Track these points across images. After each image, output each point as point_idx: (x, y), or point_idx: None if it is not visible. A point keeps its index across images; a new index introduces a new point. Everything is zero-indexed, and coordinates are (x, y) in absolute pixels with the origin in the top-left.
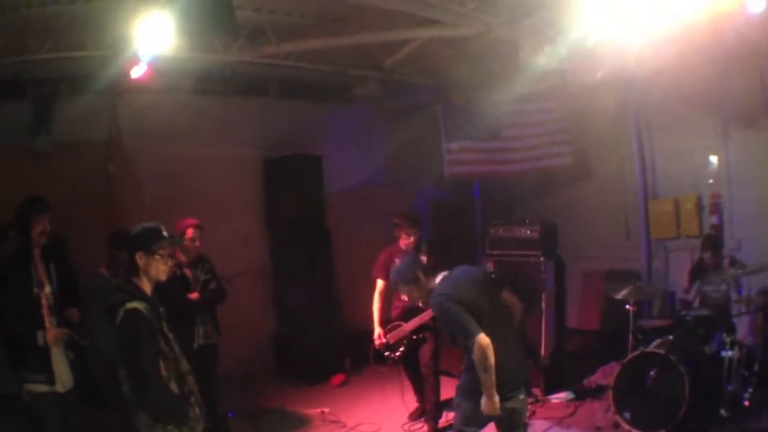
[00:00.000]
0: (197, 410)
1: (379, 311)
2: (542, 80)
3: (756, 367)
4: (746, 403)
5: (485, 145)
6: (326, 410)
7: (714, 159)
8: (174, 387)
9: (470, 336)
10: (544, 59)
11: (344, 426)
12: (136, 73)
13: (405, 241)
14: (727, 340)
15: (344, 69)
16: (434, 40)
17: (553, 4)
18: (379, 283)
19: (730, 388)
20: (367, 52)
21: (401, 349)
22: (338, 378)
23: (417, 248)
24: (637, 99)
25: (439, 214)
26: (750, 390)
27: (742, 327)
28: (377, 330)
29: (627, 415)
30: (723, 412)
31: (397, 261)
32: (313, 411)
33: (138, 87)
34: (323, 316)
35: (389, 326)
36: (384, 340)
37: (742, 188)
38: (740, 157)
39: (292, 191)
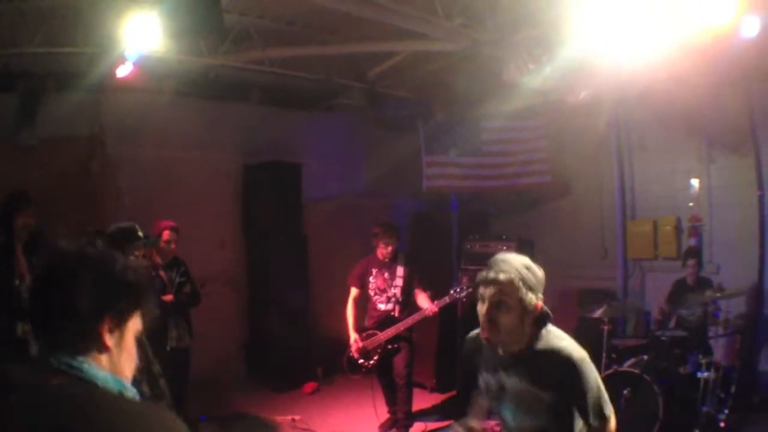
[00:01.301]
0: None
1: (353, 318)
2: (525, 98)
3: (732, 389)
4: (722, 424)
5: (465, 161)
6: (297, 418)
7: (695, 182)
8: (146, 390)
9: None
10: (528, 78)
11: None
12: (122, 72)
13: (382, 252)
14: (703, 361)
15: (328, 78)
16: (419, 54)
17: (540, 23)
18: (353, 291)
19: (705, 409)
20: (352, 62)
21: (375, 357)
22: (310, 386)
23: (394, 259)
24: (620, 120)
25: (416, 226)
26: (726, 411)
27: (720, 349)
28: (353, 336)
29: None
30: None
31: (373, 271)
32: (284, 418)
33: (123, 86)
34: (297, 323)
35: (364, 334)
36: (361, 345)
37: (723, 212)
38: (722, 181)
39: (270, 198)
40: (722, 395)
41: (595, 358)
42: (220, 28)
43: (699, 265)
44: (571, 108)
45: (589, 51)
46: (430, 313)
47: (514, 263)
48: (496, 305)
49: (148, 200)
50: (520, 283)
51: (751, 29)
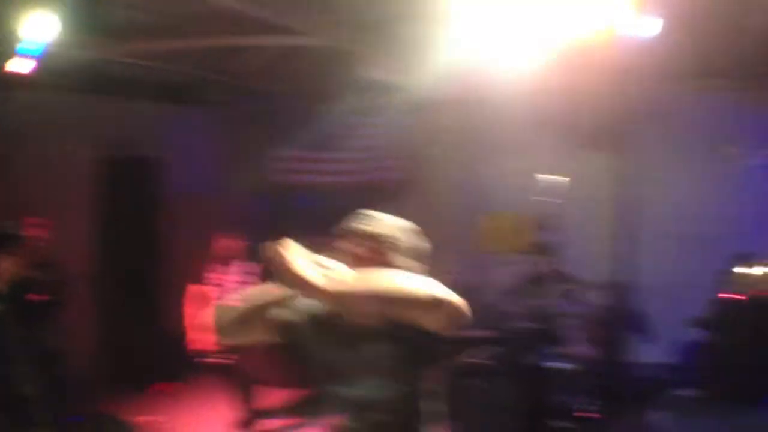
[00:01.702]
0: (41, 414)
1: (198, 315)
2: (379, 94)
3: (595, 381)
4: (588, 415)
5: (314, 156)
6: (158, 417)
7: (548, 178)
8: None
9: None
10: (384, 74)
11: None
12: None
13: (225, 248)
14: (558, 352)
15: (193, 72)
16: (278, 49)
17: (401, 21)
18: (197, 289)
19: (566, 400)
20: (216, 57)
21: (221, 355)
22: (170, 385)
23: (237, 257)
24: (477, 116)
25: (265, 223)
26: (590, 403)
27: (578, 341)
28: (191, 335)
29: (456, 425)
30: (562, 423)
31: (218, 267)
32: (146, 418)
33: None
34: (154, 322)
35: (210, 332)
36: (206, 343)
37: (581, 208)
38: (581, 177)
39: (130, 194)
40: (585, 387)
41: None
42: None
43: (551, 259)
44: (428, 105)
45: (450, 49)
46: None
47: (385, 220)
48: (354, 263)
49: (14, 198)
50: (385, 241)
51: (626, 30)
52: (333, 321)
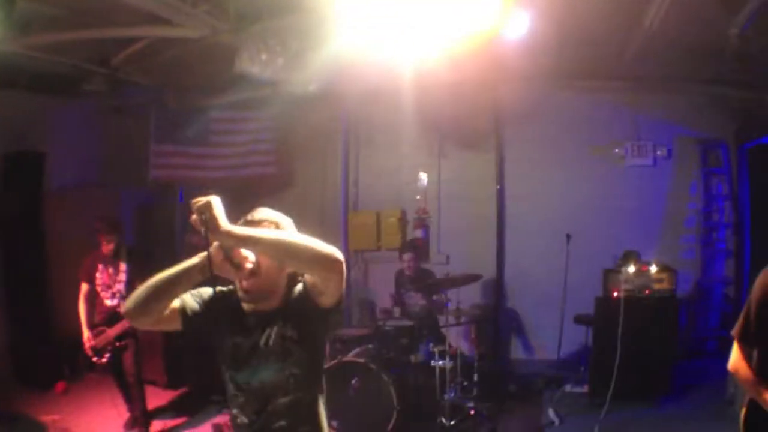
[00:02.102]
0: None
1: (85, 314)
2: (256, 89)
3: (476, 377)
4: (471, 412)
5: (192, 150)
6: (56, 417)
7: (424, 176)
8: None
9: None
10: (259, 67)
11: None
12: None
13: (105, 247)
14: (436, 350)
15: (72, 63)
16: (159, 40)
17: (280, 15)
18: (84, 287)
19: (449, 396)
20: (97, 47)
21: (107, 355)
22: (60, 385)
23: (117, 254)
24: (349, 113)
25: (143, 218)
26: (472, 399)
27: (458, 338)
28: (86, 333)
29: (335, 423)
30: (444, 420)
31: (99, 266)
32: (47, 418)
33: None
34: (36, 321)
35: (95, 331)
36: (93, 343)
37: (453, 205)
38: (453, 175)
39: (9, 190)
40: (466, 383)
41: None
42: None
43: (419, 257)
44: (300, 100)
45: (331, 43)
46: None
47: (276, 213)
48: None
49: None
50: (284, 226)
51: (513, 31)
52: (232, 306)
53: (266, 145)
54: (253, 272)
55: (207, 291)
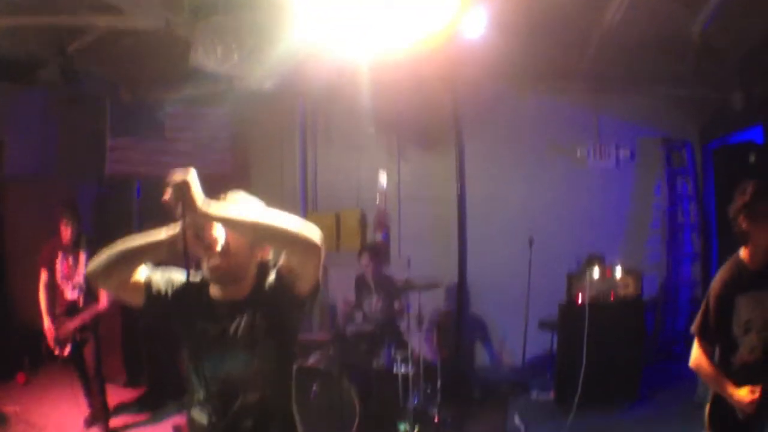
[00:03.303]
0: None
1: (46, 303)
2: (212, 84)
3: (439, 383)
4: (435, 419)
5: (148, 145)
6: (17, 409)
7: (383, 177)
8: None
9: None
10: (214, 63)
11: (34, 427)
12: None
13: (64, 231)
14: (398, 356)
15: (27, 50)
16: (116, 31)
17: (236, 9)
18: (44, 275)
19: (412, 403)
20: (53, 35)
21: (68, 347)
22: (21, 376)
23: (77, 244)
24: (306, 111)
25: (100, 211)
26: (436, 405)
27: (421, 344)
28: (47, 322)
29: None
30: (407, 427)
31: (60, 255)
32: (8, 409)
33: None
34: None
35: (56, 322)
36: (54, 334)
37: (414, 207)
38: (414, 176)
39: None
40: (429, 389)
41: None
42: None
43: (377, 260)
44: (257, 97)
45: (288, 39)
46: (102, 308)
47: (250, 197)
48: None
49: None
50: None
51: (472, 31)
52: (202, 293)
53: (222, 142)
54: (223, 252)
55: (178, 275)
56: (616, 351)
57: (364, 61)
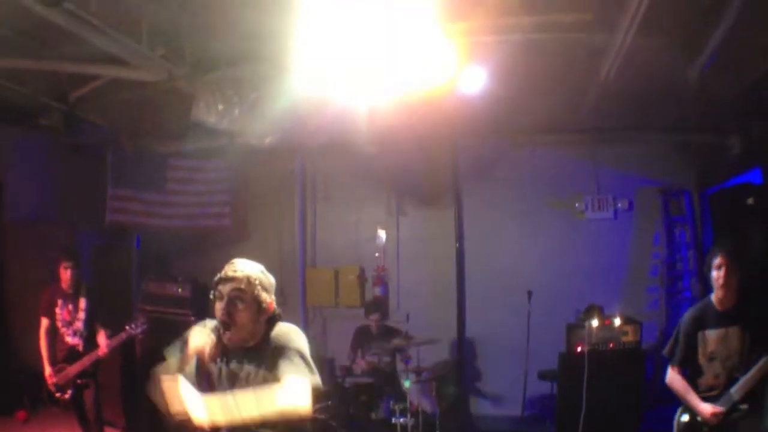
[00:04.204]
0: None
1: (46, 350)
2: (213, 138)
3: None
4: None
5: (148, 197)
6: None
7: (383, 233)
8: None
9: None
10: (215, 117)
11: None
12: None
13: (64, 277)
14: (397, 407)
15: (30, 94)
16: (119, 82)
17: (237, 63)
18: (44, 322)
19: None
20: (56, 82)
21: (69, 392)
22: (21, 414)
23: (77, 291)
24: (306, 168)
25: (98, 260)
26: None
27: (420, 395)
28: (47, 369)
29: None
30: None
31: (59, 302)
32: None
33: None
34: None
35: (57, 368)
36: (55, 380)
37: (412, 263)
38: (412, 232)
39: None
40: None
41: None
42: None
43: (383, 316)
44: (257, 152)
45: (282, 95)
46: (102, 354)
47: (249, 265)
48: (232, 301)
49: None
50: (256, 282)
51: (469, 86)
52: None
53: (222, 196)
54: (225, 326)
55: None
56: (616, 399)
57: (364, 117)
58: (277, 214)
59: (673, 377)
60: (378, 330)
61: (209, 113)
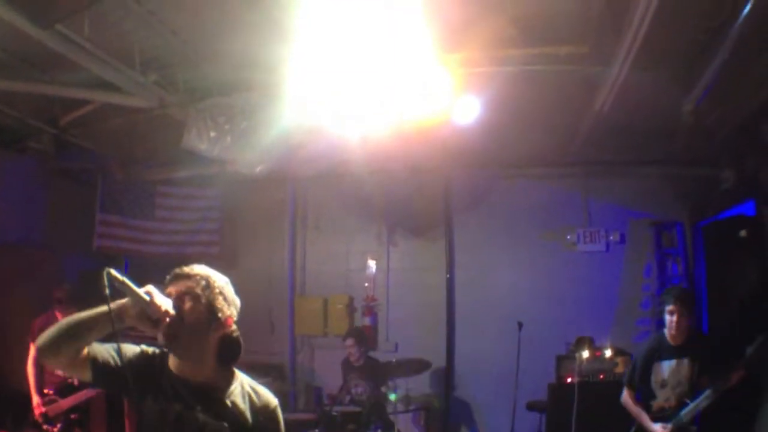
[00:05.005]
0: None
1: (34, 378)
2: (204, 166)
3: None
4: None
5: (136, 223)
6: None
7: (373, 263)
8: None
9: None
10: (207, 145)
11: None
12: None
13: (60, 315)
14: None
15: (19, 116)
16: (111, 108)
17: (229, 91)
18: (33, 350)
19: None
20: (46, 105)
21: (59, 425)
22: None
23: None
24: (296, 197)
25: (85, 286)
26: None
27: (408, 425)
28: (35, 398)
29: None
30: None
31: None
32: None
33: None
34: None
35: (47, 398)
36: (43, 410)
37: (402, 293)
38: (402, 263)
39: None
40: None
41: None
42: None
43: (362, 344)
44: (248, 181)
45: (274, 124)
46: (100, 391)
47: (212, 271)
48: (182, 298)
49: None
50: (216, 286)
51: (464, 116)
52: (157, 367)
53: (212, 224)
54: (176, 322)
55: (133, 348)
56: (605, 430)
57: (356, 147)
58: (267, 243)
59: (626, 399)
60: (357, 360)
61: (200, 140)
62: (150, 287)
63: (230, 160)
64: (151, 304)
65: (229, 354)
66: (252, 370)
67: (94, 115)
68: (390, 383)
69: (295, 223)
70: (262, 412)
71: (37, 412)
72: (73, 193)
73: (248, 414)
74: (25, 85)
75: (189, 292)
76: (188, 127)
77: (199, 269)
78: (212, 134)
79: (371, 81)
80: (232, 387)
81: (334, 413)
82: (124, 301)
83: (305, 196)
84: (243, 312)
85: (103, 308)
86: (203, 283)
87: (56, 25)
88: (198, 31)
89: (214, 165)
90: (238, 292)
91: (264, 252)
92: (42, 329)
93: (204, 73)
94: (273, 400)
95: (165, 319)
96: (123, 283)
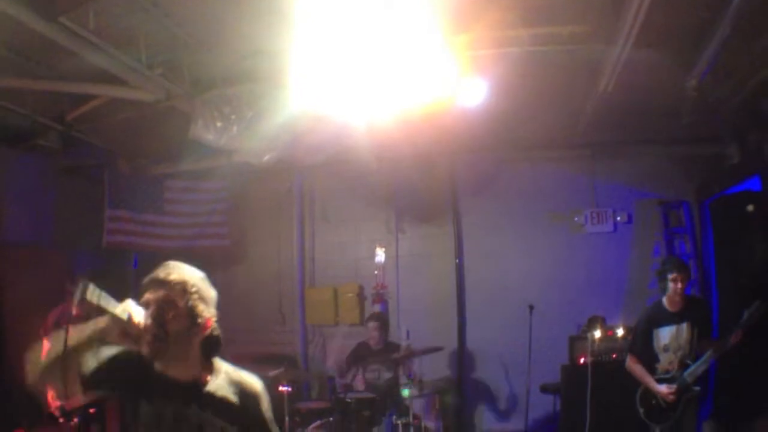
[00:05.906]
0: None
1: None
2: (211, 158)
3: None
4: None
5: (145, 218)
6: None
7: (381, 252)
8: None
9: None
10: (214, 135)
11: None
12: None
13: (76, 311)
14: (400, 422)
15: (27, 114)
16: (115, 102)
17: (235, 82)
18: (47, 345)
19: None
20: (53, 102)
21: (75, 419)
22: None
23: (87, 313)
24: (304, 187)
25: (95, 283)
26: None
27: (422, 410)
28: (50, 392)
29: None
30: None
31: (70, 327)
32: None
33: None
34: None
35: None
36: (59, 403)
37: (412, 280)
38: (411, 249)
39: None
40: None
41: (278, 422)
42: None
43: (383, 329)
44: (255, 171)
45: (280, 113)
46: None
47: (187, 269)
48: (162, 309)
49: None
50: (194, 290)
51: (470, 99)
52: (143, 369)
53: (220, 216)
54: (157, 337)
55: (109, 350)
56: (620, 409)
57: (362, 133)
58: (276, 233)
59: (630, 364)
60: (377, 344)
61: (207, 131)
62: (127, 304)
63: (237, 149)
64: (130, 323)
65: (212, 351)
66: (264, 361)
67: (100, 110)
68: (404, 366)
69: (303, 213)
70: (249, 396)
71: (52, 405)
72: (81, 189)
73: (237, 401)
74: (31, 83)
75: (168, 302)
76: (195, 118)
77: (174, 274)
78: (218, 124)
79: (376, 65)
80: (219, 378)
81: (348, 400)
82: (103, 323)
83: (312, 185)
84: (253, 304)
85: (85, 332)
86: (179, 288)
87: (61, 17)
88: (202, 21)
89: (221, 156)
90: (250, 283)
91: (272, 243)
92: (56, 324)
93: (209, 63)
94: (258, 384)
95: (146, 336)
96: (99, 306)
